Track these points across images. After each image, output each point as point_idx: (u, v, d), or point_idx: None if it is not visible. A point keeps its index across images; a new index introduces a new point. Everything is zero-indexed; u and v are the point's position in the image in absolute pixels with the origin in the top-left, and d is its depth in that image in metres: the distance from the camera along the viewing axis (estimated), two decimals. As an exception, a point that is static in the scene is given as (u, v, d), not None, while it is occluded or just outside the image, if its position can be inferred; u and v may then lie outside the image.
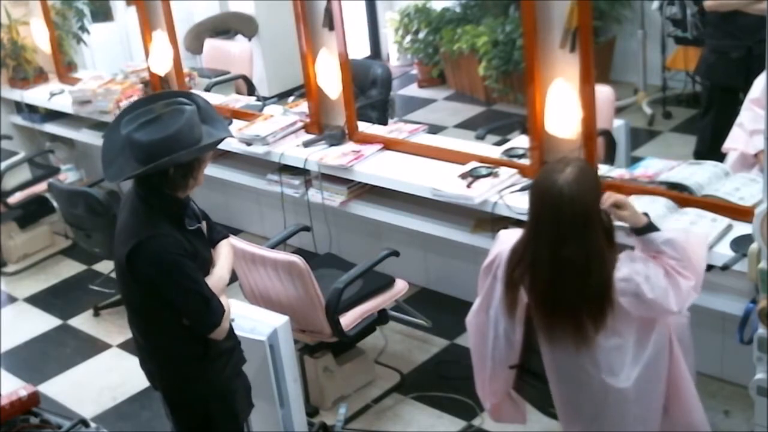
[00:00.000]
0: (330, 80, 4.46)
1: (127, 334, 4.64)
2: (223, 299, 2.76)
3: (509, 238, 2.77)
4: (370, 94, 5.34)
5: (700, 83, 5.24)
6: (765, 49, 4.31)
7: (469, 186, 3.77)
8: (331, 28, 4.31)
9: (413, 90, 7.48)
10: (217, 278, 2.80)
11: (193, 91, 5.41)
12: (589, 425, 2.76)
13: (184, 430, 2.97)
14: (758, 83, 3.80)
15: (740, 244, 3.08)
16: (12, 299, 5.25)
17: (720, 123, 4.73)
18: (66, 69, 6.10)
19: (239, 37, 6.78)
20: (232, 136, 3.04)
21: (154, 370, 2.92)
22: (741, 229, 3.19)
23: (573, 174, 2.57)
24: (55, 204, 5.15)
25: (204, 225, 2.87)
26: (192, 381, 2.84)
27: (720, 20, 4.71)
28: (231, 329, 2.87)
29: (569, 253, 2.55)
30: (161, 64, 5.31)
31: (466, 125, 6.51)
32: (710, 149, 4.64)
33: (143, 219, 2.68)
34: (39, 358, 4.63)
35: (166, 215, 2.70)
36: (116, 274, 2.82)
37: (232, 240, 3.68)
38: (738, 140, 3.82)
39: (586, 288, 2.56)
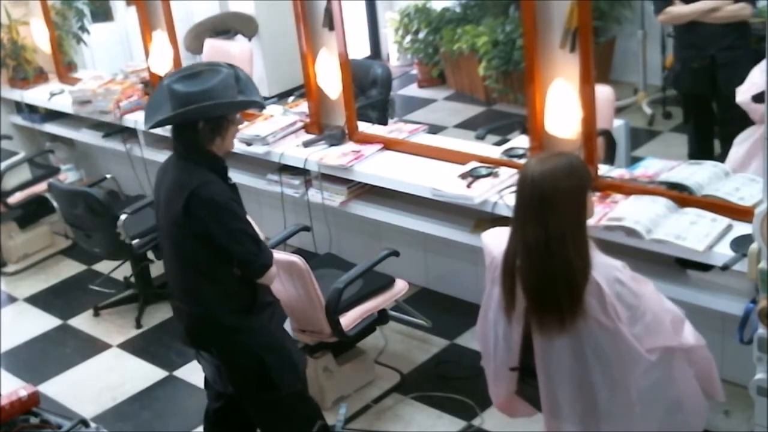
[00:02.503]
0: (330, 80, 4.46)
1: (128, 334, 4.70)
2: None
3: (494, 239, 2.79)
4: (370, 94, 5.34)
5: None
6: (729, 57, 4.36)
7: (469, 186, 3.77)
8: (331, 28, 4.31)
9: (413, 90, 7.48)
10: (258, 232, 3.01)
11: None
12: (574, 424, 2.75)
13: (245, 383, 3.08)
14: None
15: (740, 244, 3.08)
16: (12, 299, 5.25)
17: (699, 128, 4.75)
18: (66, 69, 6.11)
19: (239, 37, 6.78)
20: (263, 106, 3.25)
21: (206, 332, 3.03)
22: (741, 229, 3.20)
23: (543, 161, 2.60)
24: (55, 204, 5.15)
25: None
26: (244, 333, 3.00)
27: (682, 31, 4.68)
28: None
29: (530, 234, 2.57)
30: (161, 64, 5.31)
31: (466, 125, 6.51)
32: (699, 151, 4.65)
33: (191, 173, 2.88)
34: (39, 358, 4.64)
35: (210, 168, 2.90)
36: (167, 238, 3.00)
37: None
38: (748, 90, 3.76)
39: (553, 271, 2.56)
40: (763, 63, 3.71)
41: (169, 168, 3.00)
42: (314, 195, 4.38)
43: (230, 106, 2.89)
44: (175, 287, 3.10)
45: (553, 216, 2.55)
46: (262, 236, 3.05)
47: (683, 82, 4.75)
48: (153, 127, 2.94)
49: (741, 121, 3.84)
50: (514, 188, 2.72)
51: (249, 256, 2.92)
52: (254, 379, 3.04)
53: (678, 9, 4.45)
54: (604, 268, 2.61)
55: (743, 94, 3.75)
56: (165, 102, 2.86)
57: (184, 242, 2.93)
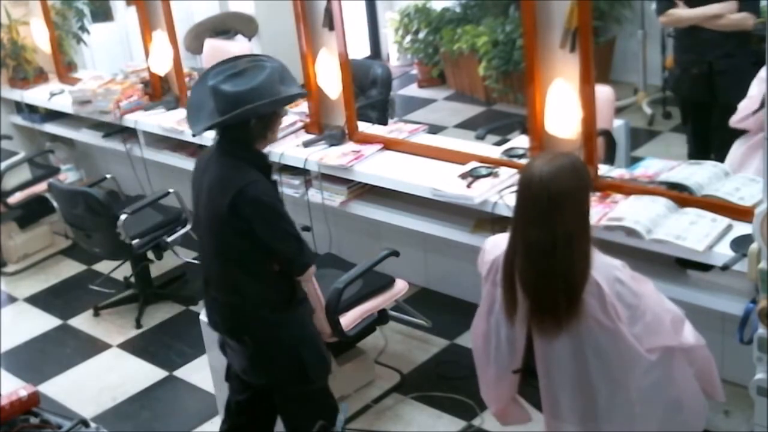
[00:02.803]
0: (330, 80, 4.46)
1: (128, 334, 4.70)
2: None
3: (499, 242, 2.78)
4: (370, 94, 5.34)
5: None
6: (727, 64, 4.34)
7: (469, 186, 3.77)
8: (331, 28, 4.31)
9: (413, 90, 7.48)
10: None
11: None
12: (574, 424, 2.75)
13: (280, 374, 3.15)
14: (756, 84, 3.78)
15: (740, 244, 3.08)
16: (12, 299, 5.25)
17: (697, 132, 4.71)
18: (66, 69, 6.11)
19: (239, 37, 6.77)
20: (306, 94, 3.29)
21: (242, 323, 3.08)
22: (741, 229, 3.19)
23: (548, 161, 2.59)
24: (55, 204, 5.15)
25: None
26: (284, 326, 3.07)
27: (682, 35, 4.64)
28: None
29: (534, 236, 2.56)
30: (161, 64, 5.31)
31: (466, 125, 6.51)
32: (697, 153, 4.63)
33: (238, 170, 2.92)
34: (39, 358, 4.63)
35: (255, 166, 2.94)
36: (207, 233, 3.04)
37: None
38: (747, 109, 3.77)
39: (556, 272, 2.56)
40: (761, 72, 3.72)
41: (211, 163, 3.00)
42: (314, 195, 4.38)
43: (282, 101, 2.96)
44: (214, 279, 3.13)
45: (558, 217, 2.55)
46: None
47: (682, 86, 4.71)
48: (206, 130, 2.96)
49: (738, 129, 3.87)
50: (515, 188, 2.70)
51: (291, 254, 3.00)
52: (289, 371, 3.13)
53: (680, 12, 4.41)
54: (604, 267, 2.61)
55: (739, 115, 3.77)
56: (208, 102, 2.88)
57: (227, 238, 2.98)
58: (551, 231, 2.55)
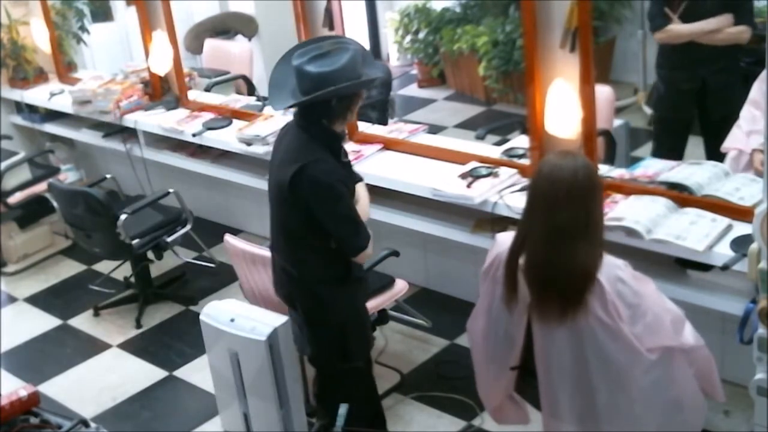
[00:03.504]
0: (330, 80, 4.45)
1: (127, 334, 4.70)
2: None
3: (507, 240, 2.78)
4: (370, 94, 5.33)
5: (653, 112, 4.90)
6: (720, 80, 4.29)
7: (469, 186, 3.77)
8: (331, 28, 4.31)
9: (413, 90, 7.48)
10: (361, 212, 3.11)
11: (193, 90, 5.43)
12: (573, 423, 2.75)
13: (321, 348, 3.27)
14: (756, 85, 3.80)
15: (740, 244, 3.08)
16: (12, 299, 5.25)
17: (675, 151, 4.48)
18: (66, 69, 6.10)
19: (239, 37, 6.78)
20: (390, 78, 3.36)
21: (295, 293, 3.21)
22: (741, 229, 3.20)
23: (572, 157, 2.63)
24: (55, 204, 5.15)
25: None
26: (333, 302, 3.17)
27: (672, 52, 4.43)
28: None
29: (561, 219, 2.56)
30: (161, 64, 5.31)
31: (466, 125, 6.51)
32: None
33: (306, 146, 2.99)
34: (39, 358, 4.63)
35: (325, 145, 3.01)
36: (274, 199, 3.14)
37: (232, 240, 3.71)
38: (737, 141, 3.82)
39: (578, 255, 2.56)
40: (755, 84, 3.75)
41: (289, 133, 3.11)
42: (314, 195, 4.38)
43: (364, 84, 3.04)
44: (276, 246, 3.24)
45: (581, 204, 2.56)
46: (367, 213, 3.18)
47: (668, 104, 4.54)
48: (289, 108, 3.05)
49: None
50: (530, 183, 2.71)
51: (345, 236, 3.04)
52: (330, 347, 3.23)
53: (679, 28, 4.25)
54: (606, 266, 2.61)
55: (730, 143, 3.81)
56: (291, 81, 2.97)
57: (287, 209, 3.08)
58: (573, 216, 2.55)
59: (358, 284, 3.23)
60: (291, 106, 3.03)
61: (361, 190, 3.23)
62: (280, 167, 3.06)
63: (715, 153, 4.01)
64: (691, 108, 4.38)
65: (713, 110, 4.34)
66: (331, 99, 2.95)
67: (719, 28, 4.18)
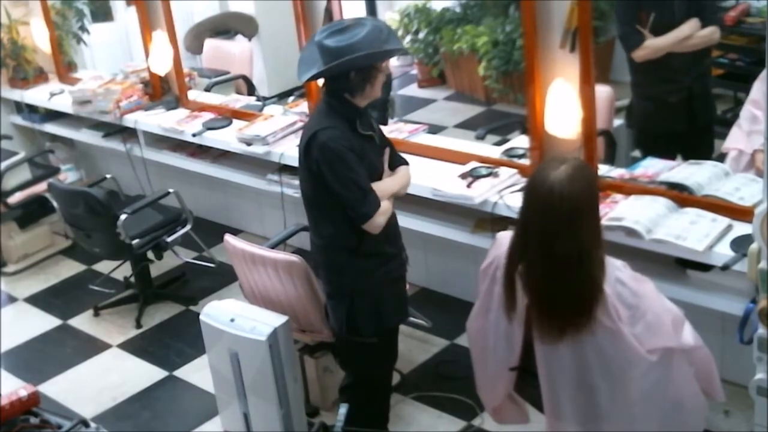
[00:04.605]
0: (330, 80, 4.45)
1: (128, 334, 4.70)
2: (385, 203, 3.14)
3: (507, 239, 2.77)
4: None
5: (634, 133, 4.58)
6: (703, 85, 4.28)
7: (469, 186, 3.77)
8: (331, 28, 4.31)
9: (413, 90, 7.47)
10: (384, 186, 3.19)
11: (193, 90, 5.43)
12: (575, 424, 2.75)
13: (335, 318, 3.32)
14: (757, 85, 3.80)
15: (740, 244, 3.09)
16: (12, 299, 5.25)
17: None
18: (66, 69, 6.10)
19: (239, 37, 6.78)
20: (407, 51, 3.37)
21: (318, 261, 3.32)
22: (741, 229, 3.20)
23: (566, 171, 2.54)
24: (55, 204, 5.15)
25: (377, 136, 3.24)
26: (341, 272, 3.23)
27: (652, 66, 4.22)
28: (396, 237, 3.34)
29: (560, 248, 2.53)
30: (161, 64, 5.31)
31: (466, 125, 6.51)
32: None
33: (322, 116, 3.14)
34: (39, 358, 4.63)
35: (342, 115, 3.11)
36: (301, 166, 3.22)
37: (232, 240, 3.71)
38: (737, 140, 3.82)
39: (577, 282, 2.55)
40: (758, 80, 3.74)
41: (317, 106, 3.26)
42: (314, 195, 4.38)
43: (378, 55, 3.06)
44: (307, 217, 3.33)
45: (578, 231, 2.53)
46: (391, 190, 3.22)
47: (654, 120, 4.35)
48: (308, 80, 3.14)
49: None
50: (525, 196, 2.65)
51: (353, 202, 3.09)
52: (339, 318, 3.27)
53: (658, 42, 4.09)
54: (605, 267, 2.60)
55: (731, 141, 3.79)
56: (315, 57, 3.06)
57: (304, 177, 3.20)
58: (572, 244, 2.52)
59: (381, 258, 3.24)
60: (310, 78, 3.13)
61: (401, 170, 3.31)
62: (301, 138, 3.19)
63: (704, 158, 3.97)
64: (683, 119, 4.28)
65: (701, 116, 4.29)
66: (349, 72, 3.04)
67: (691, 33, 4.14)
